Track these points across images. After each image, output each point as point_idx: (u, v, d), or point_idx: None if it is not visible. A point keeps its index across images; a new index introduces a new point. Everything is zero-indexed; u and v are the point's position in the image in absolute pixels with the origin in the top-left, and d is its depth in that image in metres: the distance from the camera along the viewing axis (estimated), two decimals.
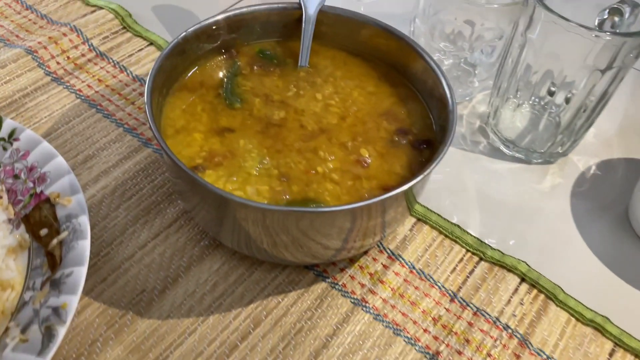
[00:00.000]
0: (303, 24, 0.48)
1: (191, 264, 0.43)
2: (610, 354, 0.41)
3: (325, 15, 0.49)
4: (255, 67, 0.48)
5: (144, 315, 0.40)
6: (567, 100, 0.49)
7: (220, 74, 0.47)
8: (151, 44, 0.60)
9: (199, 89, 0.46)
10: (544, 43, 0.46)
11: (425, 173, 0.37)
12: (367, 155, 0.42)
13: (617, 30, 0.48)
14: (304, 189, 0.40)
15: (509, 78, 0.50)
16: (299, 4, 0.48)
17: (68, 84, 0.55)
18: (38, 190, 0.42)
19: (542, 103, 0.51)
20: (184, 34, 0.45)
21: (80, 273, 0.37)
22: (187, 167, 0.36)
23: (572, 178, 0.52)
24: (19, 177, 0.43)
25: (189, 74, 0.47)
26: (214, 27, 0.47)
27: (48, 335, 0.34)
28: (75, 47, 0.58)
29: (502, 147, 0.53)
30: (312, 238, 0.38)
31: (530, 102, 0.51)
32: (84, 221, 0.40)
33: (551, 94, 0.50)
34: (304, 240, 0.38)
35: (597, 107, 0.49)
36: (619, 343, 0.41)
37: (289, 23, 0.49)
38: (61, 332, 0.34)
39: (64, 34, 0.58)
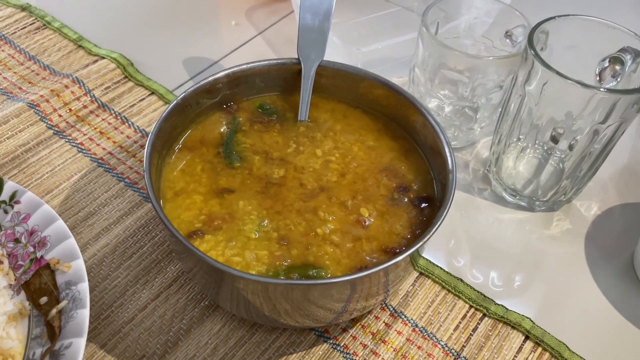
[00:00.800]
0: (302, 79, 0.48)
1: (191, 327, 0.43)
2: None
3: (324, 69, 0.49)
4: (255, 124, 0.48)
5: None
6: (571, 147, 0.49)
7: (221, 130, 0.47)
8: (152, 93, 0.60)
9: (198, 147, 0.46)
10: (544, 94, 0.45)
11: (426, 239, 0.37)
12: (367, 215, 0.42)
13: (619, 79, 0.48)
14: (303, 252, 0.40)
15: (511, 125, 0.50)
16: (298, 59, 0.48)
17: (70, 138, 0.55)
18: (38, 255, 0.42)
19: (545, 148, 0.51)
20: (183, 94, 0.45)
21: (79, 344, 0.37)
22: (184, 236, 0.36)
23: (577, 225, 0.51)
24: (20, 241, 0.43)
25: (188, 132, 0.47)
26: (214, 84, 0.47)
27: None
28: (77, 98, 0.58)
29: (505, 195, 0.53)
30: (313, 304, 0.37)
31: (533, 148, 0.51)
32: (84, 289, 0.39)
33: (555, 140, 0.50)
34: (305, 306, 0.38)
35: (601, 155, 0.48)
36: None
37: (288, 77, 0.49)
38: None
39: (66, 86, 0.59)
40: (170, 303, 0.44)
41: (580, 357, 0.42)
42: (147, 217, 0.49)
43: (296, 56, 0.49)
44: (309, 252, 0.40)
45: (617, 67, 0.48)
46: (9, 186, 0.45)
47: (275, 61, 0.49)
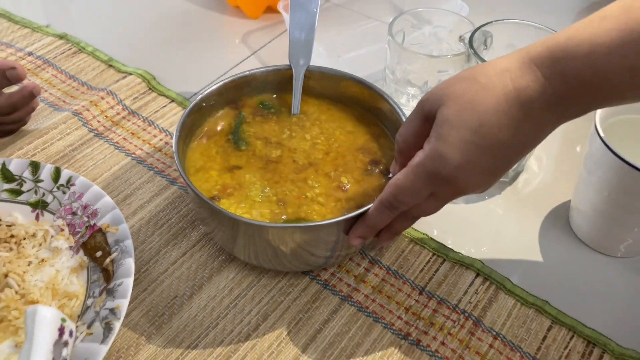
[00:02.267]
0: (294, 81, 0.61)
1: (212, 275, 0.54)
2: (548, 329, 0.51)
3: (311, 72, 0.61)
4: (256, 116, 0.60)
5: (177, 315, 0.51)
6: None
7: (229, 122, 0.60)
8: (172, 101, 0.73)
9: (213, 136, 0.58)
10: None
11: None
12: (346, 182, 0.54)
13: None
14: (296, 210, 0.52)
15: None
16: (289, 65, 0.61)
17: (107, 138, 0.67)
18: (92, 223, 0.54)
19: None
20: (200, 95, 0.57)
21: (129, 282, 0.49)
22: (207, 198, 0.48)
23: (522, 194, 0.63)
24: (76, 214, 0.56)
25: (204, 124, 0.59)
26: (223, 87, 0.59)
27: (107, 329, 0.46)
28: (112, 107, 0.71)
29: None
30: (305, 249, 0.49)
31: None
32: (129, 244, 0.51)
33: None
34: (299, 251, 0.49)
35: None
36: (555, 320, 0.51)
37: (282, 80, 0.62)
38: (117, 326, 0.46)
39: (102, 97, 0.71)
40: (194, 259, 0.56)
41: (520, 288, 0.53)
42: (174, 197, 0.61)
43: (288, 63, 0.61)
44: (300, 210, 0.52)
45: None
46: (65, 173, 0.58)
47: (272, 68, 0.61)
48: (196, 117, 0.58)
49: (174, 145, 0.52)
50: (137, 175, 0.64)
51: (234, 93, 0.61)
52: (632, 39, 0.36)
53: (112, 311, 0.47)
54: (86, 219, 0.55)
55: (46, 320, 0.37)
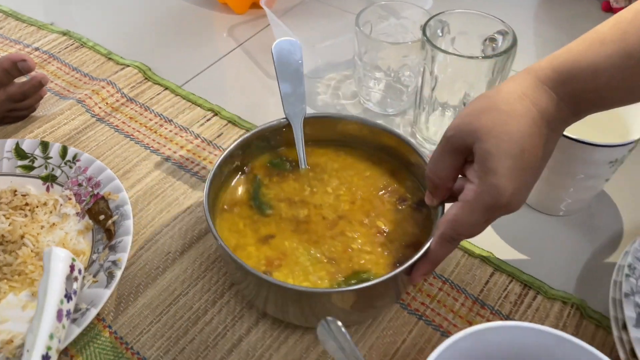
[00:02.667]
0: (294, 134, 0.59)
1: (201, 235, 0.62)
2: (491, 275, 0.59)
3: (308, 121, 0.60)
4: (272, 177, 0.59)
5: (170, 268, 0.59)
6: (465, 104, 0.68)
7: (247, 190, 0.58)
8: (166, 88, 0.81)
9: (234, 207, 0.56)
10: (446, 69, 0.65)
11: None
12: (383, 226, 0.55)
13: (496, 52, 0.67)
14: (349, 265, 0.52)
15: (426, 96, 0.69)
16: (286, 119, 0.59)
17: (108, 122, 0.76)
18: (95, 192, 0.63)
19: (458, 110, 0.70)
20: (215, 167, 0.54)
21: (128, 240, 0.57)
22: (268, 277, 0.47)
23: None
24: (82, 185, 0.64)
25: (223, 197, 0.57)
26: (231, 155, 0.57)
27: (110, 277, 0.54)
28: (111, 95, 0.79)
29: (426, 144, 0.72)
30: (368, 302, 0.50)
31: (441, 109, 0.71)
32: (128, 209, 0.60)
33: (465, 103, 0.69)
34: (361, 306, 0.50)
35: None
36: (497, 268, 0.59)
37: (282, 134, 0.60)
38: (118, 274, 0.54)
39: (102, 87, 0.80)
40: (185, 221, 0.64)
41: (469, 242, 0.61)
42: (167, 172, 0.69)
43: (284, 117, 0.59)
44: (353, 263, 0.52)
45: (494, 45, 0.68)
46: (72, 150, 0.66)
47: (269, 125, 0.59)
48: (215, 191, 0.55)
49: (209, 224, 0.50)
50: (135, 153, 0.72)
51: (242, 158, 0.59)
52: (629, 65, 0.43)
53: (114, 263, 0.55)
54: (90, 189, 0.63)
55: (60, 257, 0.45)
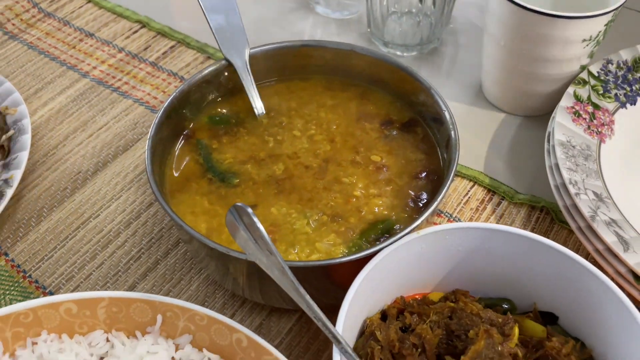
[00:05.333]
0: (241, 77, 0.48)
1: (118, 153, 0.54)
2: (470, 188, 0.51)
3: (253, 57, 0.48)
4: (220, 137, 0.47)
5: (80, 189, 0.51)
6: (434, 4, 0.59)
7: (194, 160, 0.46)
8: (89, 1, 0.71)
9: (189, 184, 0.44)
10: None
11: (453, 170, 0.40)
12: (380, 159, 0.45)
13: None
14: (359, 217, 0.42)
15: None
16: (226, 59, 0.48)
17: (21, 39, 0.66)
18: None
19: (414, 11, 0.61)
20: (150, 138, 0.42)
21: (23, 156, 0.49)
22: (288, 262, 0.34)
23: (441, 64, 0.62)
24: None
25: (168, 176, 0.44)
26: (164, 118, 0.44)
27: (0, 195, 0.46)
28: (27, 11, 0.69)
29: (381, 47, 0.64)
30: None
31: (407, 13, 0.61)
32: (26, 122, 0.51)
33: (421, 2, 0.60)
34: None
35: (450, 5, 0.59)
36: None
37: (224, 80, 0.49)
38: (9, 193, 0.46)
39: (17, 1, 0.70)
40: (100, 139, 0.56)
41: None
42: (85, 88, 0.61)
43: (222, 58, 0.48)
44: (364, 214, 0.42)
45: None
46: None
47: (207, 70, 0.47)
48: (157, 164, 0.43)
49: (163, 206, 0.38)
50: (50, 71, 0.63)
51: (176, 120, 0.46)
52: None
53: (6, 181, 0.47)
54: None
55: None
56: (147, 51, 0.65)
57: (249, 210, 0.32)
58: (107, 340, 0.36)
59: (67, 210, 0.50)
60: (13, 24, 0.68)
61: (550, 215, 0.48)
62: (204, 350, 0.35)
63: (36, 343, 0.35)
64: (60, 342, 0.35)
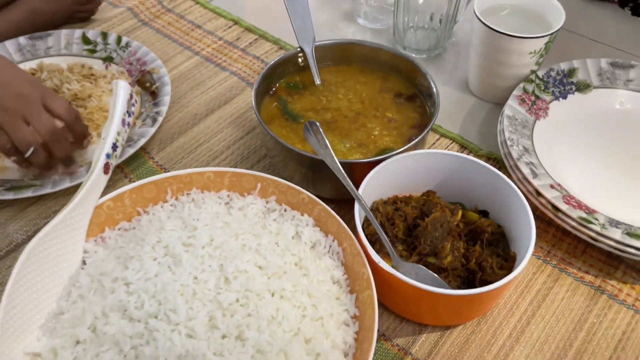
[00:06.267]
0: (309, 59, 0.75)
1: (220, 105, 0.82)
2: (437, 140, 0.78)
3: (317, 48, 0.75)
4: (293, 95, 0.74)
5: (197, 124, 0.80)
6: (440, 21, 0.86)
7: (276, 106, 0.73)
8: (197, 3, 1.00)
9: (273, 120, 0.71)
10: None
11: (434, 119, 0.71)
12: (391, 115, 0.72)
13: None
14: (375, 146, 0.68)
15: (404, 15, 0.87)
16: (300, 48, 0.74)
17: (151, 26, 0.95)
18: (142, 68, 0.83)
19: (426, 26, 0.88)
20: (256, 84, 0.70)
21: (167, 98, 0.77)
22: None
23: (443, 65, 0.89)
24: (132, 64, 0.84)
25: (262, 115, 0.70)
26: (261, 82, 0.71)
27: (154, 121, 0.75)
28: (154, 6, 0.99)
29: (401, 50, 0.91)
30: None
31: (420, 26, 0.89)
32: (167, 79, 0.80)
33: (431, 19, 0.87)
34: None
35: (453, 19, 0.86)
36: (442, 135, 0.78)
37: (297, 61, 0.76)
38: (160, 119, 0.75)
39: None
40: (209, 95, 0.84)
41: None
42: (196, 63, 0.89)
43: (298, 46, 0.75)
44: (378, 145, 0.69)
45: None
46: (124, 39, 0.86)
47: (288, 54, 0.74)
48: (257, 107, 0.68)
49: (264, 127, 0.64)
50: (172, 49, 0.91)
51: (267, 83, 0.74)
52: None
53: (157, 112, 0.76)
54: (139, 67, 0.83)
55: (123, 85, 0.64)
56: (238, 41, 0.93)
57: (317, 124, 0.60)
58: (228, 196, 0.63)
59: (190, 136, 0.78)
60: (144, 15, 0.97)
61: (499, 164, 0.75)
62: (282, 204, 0.63)
63: (189, 194, 0.63)
64: (203, 195, 0.63)
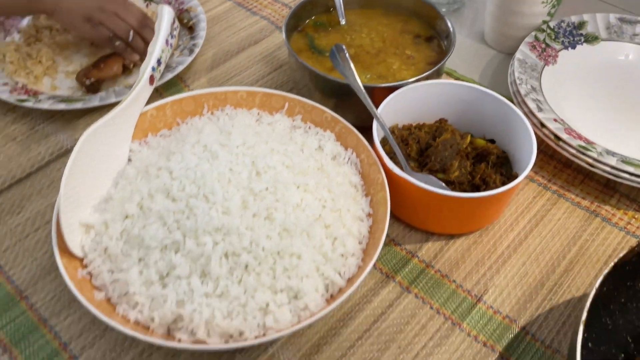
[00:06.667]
0: (335, 1, 0.81)
1: (250, 44, 0.89)
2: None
3: None
4: (320, 32, 0.80)
5: (229, 60, 0.86)
6: None
7: (305, 42, 0.79)
8: None
9: (301, 53, 0.77)
10: None
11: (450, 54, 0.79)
12: (410, 53, 0.78)
13: None
14: (394, 78, 0.74)
15: None
16: None
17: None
18: (181, 7, 0.89)
19: None
20: (286, 19, 0.76)
21: (203, 33, 0.84)
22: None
23: (462, 18, 0.94)
24: (171, 3, 0.91)
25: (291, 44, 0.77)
26: (290, 19, 0.77)
27: (190, 51, 0.82)
28: None
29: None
30: None
31: None
32: (203, 16, 0.87)
33: None
34: None
35: None
36: (448, 73, 0.84)
37: (324, 2, 0.82)
38: (196, 50, 0.81)
39: None
40: (241, 35, 0.90)
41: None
42: (229, 8, 0.95)
43: None
44: (397, 77, 0.74)
45: None
46: None
47: None
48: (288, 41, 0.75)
49: (295, 57, 0.71)
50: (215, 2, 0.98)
51: (296, 20, 0.80)
52: None
53: (194, 44, 0.83)
54: (177, 5, 0.90)
55: (167, 10, 0.71)
56: None
57: (344, 47, 0.66)
58: (258, 114, 0.70)
59: (223, 70, 0.85)
60: None
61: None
62: (307, 122, 0.69)
63: (224, 109, 0.70)
64: (236, 111, 0.70)
